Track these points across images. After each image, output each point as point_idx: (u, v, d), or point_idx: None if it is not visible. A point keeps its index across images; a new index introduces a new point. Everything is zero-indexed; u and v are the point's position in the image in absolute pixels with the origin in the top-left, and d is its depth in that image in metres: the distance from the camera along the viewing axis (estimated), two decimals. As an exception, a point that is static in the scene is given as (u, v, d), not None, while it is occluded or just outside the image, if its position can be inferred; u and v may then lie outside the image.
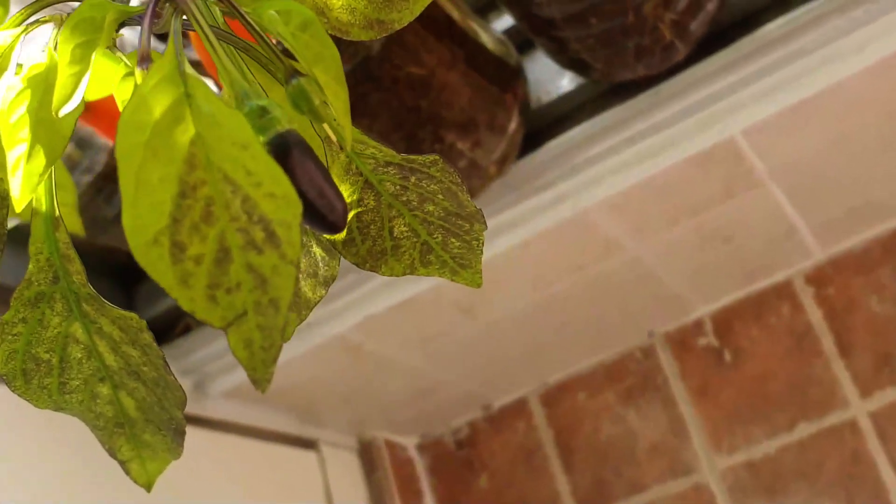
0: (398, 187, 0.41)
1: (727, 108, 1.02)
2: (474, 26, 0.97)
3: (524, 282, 1.19)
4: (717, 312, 1.40)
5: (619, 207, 1.09)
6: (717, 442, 1.36)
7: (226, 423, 1.20)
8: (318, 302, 0.43)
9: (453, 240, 0.42)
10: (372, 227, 0.41)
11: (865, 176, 1.21)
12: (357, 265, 0.41)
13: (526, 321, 1.28)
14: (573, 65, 0.98)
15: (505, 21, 1.07)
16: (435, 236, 0.41)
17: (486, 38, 0.98)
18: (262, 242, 0.30)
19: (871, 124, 1.11)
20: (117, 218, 0.91)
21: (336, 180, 0.41)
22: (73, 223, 0.64)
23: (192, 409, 1.17)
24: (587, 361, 1.43)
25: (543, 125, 1.05)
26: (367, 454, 1.39)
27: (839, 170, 1.18)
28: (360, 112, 0.87)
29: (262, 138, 0.34)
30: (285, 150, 0.33)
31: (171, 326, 1.16)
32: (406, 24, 0.81)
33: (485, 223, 0.43)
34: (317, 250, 0.42)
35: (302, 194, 0.32)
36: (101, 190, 0.87)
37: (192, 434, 1.24)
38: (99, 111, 0.69)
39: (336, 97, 0.38)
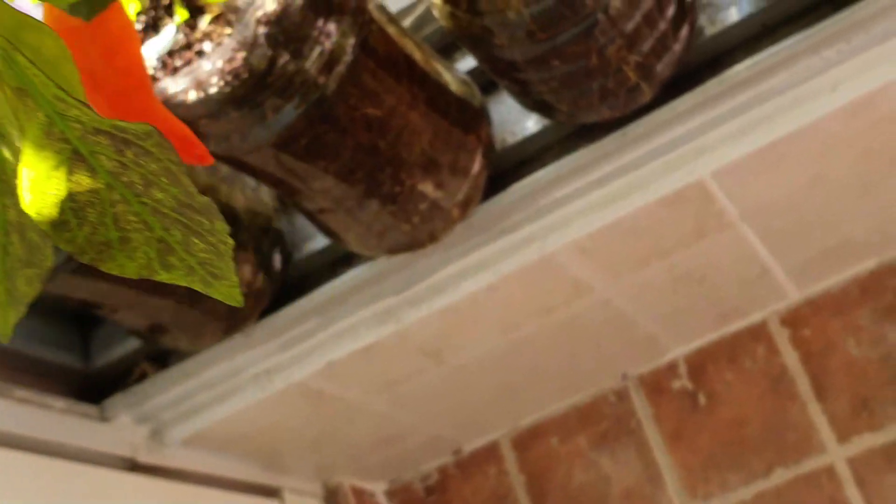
0: (116, 163, 0.34)
1: (696, 149, 1.00)
2: (437, 66, 0.94)
3: (492, 325, 1.16)
4: (691, 354, 1.37)
5: (588, 250, 1.06)
6: (693, 488, 1.33)
7: (185, 473, 1.17)
8: (35, 296, 0.38)
9: (196, 240, 0.36)
10: (90, 210, 0.34)
11: (841, 215, 1.18)
12: (75, 255, 0.35)
13: (495, 364, 1.24)
14: (537, 106, 0.96)
15: (469, 62, 1.04)
16: (172, 233, 0.35)
17: (448, 79, 0.95)
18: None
19: (846, 164, 1.09)
20: (65, 265, 0.87)
21: (33, 146, 0.34)
22: None
23: (149, 458, 1.13)
24: (559, 404, 1.40)
25: (508, 167, 1.02)
26: (332, 501, 1.35)
27: (814, 210, 1.15)
28: (317, 154, 0.85)
29: None
30: None
31: (127, 373, 1.12)
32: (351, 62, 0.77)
33: (223, 220, 0.37)
34: (31, 235, 0.37)
35: None
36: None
37: (150, 484, 1.20)
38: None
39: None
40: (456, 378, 1.24)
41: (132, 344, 1.10)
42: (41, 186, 0.33)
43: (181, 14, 0.77)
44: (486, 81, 1.03)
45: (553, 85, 0.89)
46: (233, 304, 0.38)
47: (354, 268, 1.07)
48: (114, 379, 1.12)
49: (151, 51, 0.80)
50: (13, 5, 0.36)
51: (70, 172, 0.34)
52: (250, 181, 1.05)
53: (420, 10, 1.03)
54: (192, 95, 0.75)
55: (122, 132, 0.34)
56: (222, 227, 0.36)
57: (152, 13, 0.82)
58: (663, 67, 0.92)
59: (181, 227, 0.35)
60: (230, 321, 1.02)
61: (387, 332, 1.10)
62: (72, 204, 0.34)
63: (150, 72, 0.78)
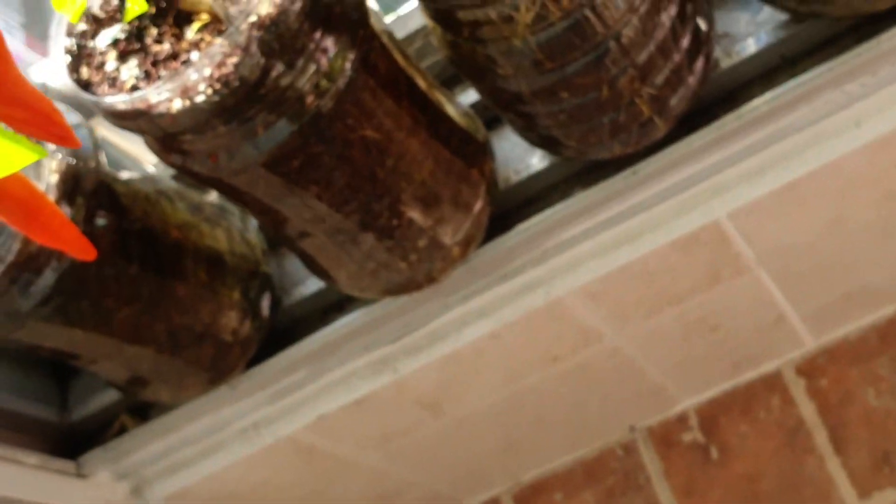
0: None
1: (712, 189, 0.94)
2: (439, 96, 0.89)
3: (494, 375, 1.10)
4: (703, 405, 1.31)
5: (597, 295, 1.00)
6: (706, 548, 1.26)
7: (167, 533, 1.09)
8: None
9: None
10: None
11: (862, 260, 1.13)
12: None
13: (497, 416, 1.18)
14: (543, 142, 0.90)
15: (471, 95, 0.99)
16: None
17: (451, 110, 0.90)
18: None
19: (869, 205, 1.03)
20: (35, 310, 0.81)
21: None
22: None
23: (128, 517, 1.07)
24: (564, 458, 1.33)
25: (512, 206, 0.96)
26: (325, 562, 1.28)
27: (833, 254, 1.09)
28: (310, 177, 0.78)
29: None
30: None
31: (106, 426, 1.05)
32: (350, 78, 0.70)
33: None
34: None
35: None
36: (14, 280, 0.77)
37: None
38: (6, 198, 0.60)
39: None
40: (455, 431, 1.18)
41: (111, 395, 1.04)
42: None
43: (134, 2, 0.70)
44: (489, 116, 0.98)
45: (561, 118, 0.84)
46: None
47: (347, 314, 1.00)
48: (92, 433, 1.05)
49: (101, 41, 0.75)
50: None
51: None
52: (236, 221, 0.99)
53: (419, 41, 0.98)
54: (178, 104, 0.69)
55: None
56: None
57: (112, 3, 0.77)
58: (678, 101, 0.87)
59: None
60: (215, 371, 0.95)
61: (382, 383, 1.03)
62: None
63: (133, 81, 0.73)
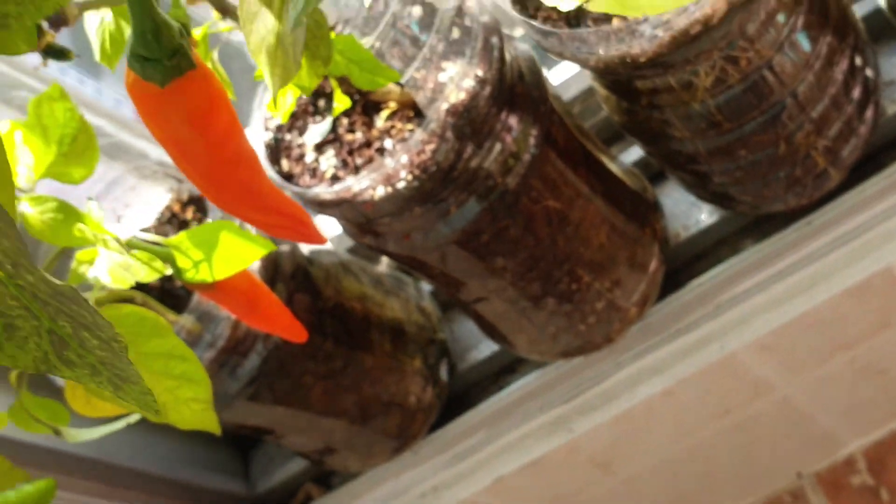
0: None
1: (883, 235, 0.94)
2: (606, 158, 0.91)
3: (666, 432, 1.10)
4: (870, 448, 1.28)
5: (770, 347, 1.00)
6: None
7: None
8: None
9: (87, 335, 0.32)
10: None
11: None
12: None
13: (667, 472, 1.18)
14: (716, 198, 0.91)
15: (632, 153, 1.01)
16: (60, 324, 0.31)
17: (619, 171, 0.92)
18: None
19: None
20: (241, 391, 0.84)
21: None
22: (209, 421, 0.58)
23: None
24: (731, 509, 1.32)
25: (683, 262, 0.97)
26: None
27: None
28: (497, 250, 0.81)
29: None
30: None
31: (290, 496, 1.08)
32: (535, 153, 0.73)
33: (97, 311, 0.33)
34: None
35: None
36: (223, 364, 0.81)
37: None
38: (224, 288, 0.63)
39: None
40: (625, 489, 1.18)
41: (295, 466, 1.07)
42: None
43: (339, 101, 0.74)
44: (652, 173, 1.00)
45: (737, 175, 0.85)
46: (149, 413, 0.34)
47: (521, 376, 1.02)
48: (277, 503, 1.09)
49: (310, 138, 0.79)
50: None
51: None
52: (411, 290, 1.02)
53: (576, 106, 1.00)
54: (380, 192, 0.72)
55: None
56: (106, 322, 0.32)
57: (313, 101, 0.81)
58: (850, 151, 0.87)
59: (66, 317, 0.31)
60: (401, 439, 0.98)
61: (557, 444, 1.04)
62: None
63: (331, 170, 0.76)
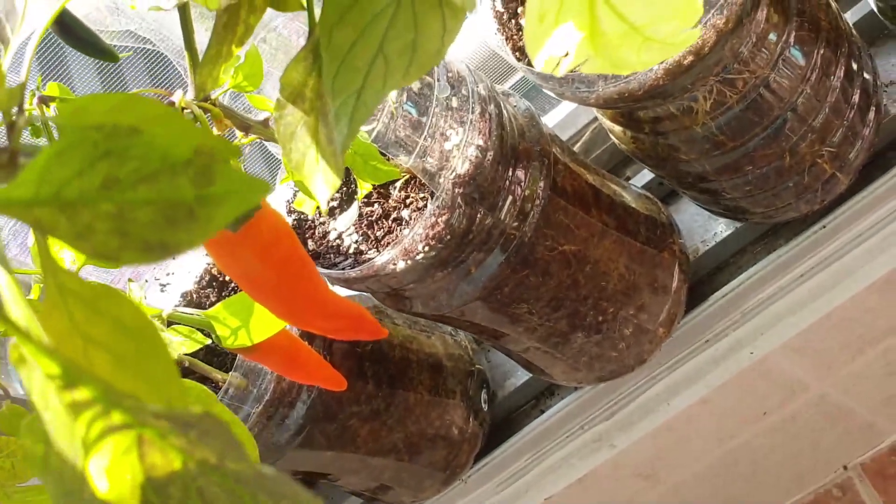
0: (184, 442, 0.34)
1: (899, 229, 0.96)
2: (616, 189, 0.94)
3: (707, 437, 1.12)
4: (914, 435, 1.30)
5: (800, 348, 1.03)
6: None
7: None
8: None
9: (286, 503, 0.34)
10: (172, 488, 0.34)
11: None
12: None
13: (712, 477, 1.20)
14: (729, 212, 0.94)
15: (642, 177, 1.04)
16: (260, 498, 0.34)
17: (629, 198, 0.95)
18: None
19: None
20: (291, 440, 0.88)
21: (95, 435, 0.34)
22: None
23: None
24: (781, 507, 1.34)
25: (705, 275, 1.00)
26: None
27: None
28: (520, 297, 0.84)
29: None
30: None
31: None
32: (544, 204, 0.76)
33: (302, 488, 0.35)
34: None
35: None
36: (272, 416, 0.85)
37: None
38: (263, 349, 0.67)
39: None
40: (673, 497, 1.20)
41: (349, 503, 1.11)
42: (115, 474, 0.33)
43: (362, 186, 0.78)
44: (664, 193, 1.02)
45: (747, 189, 0.87)
46: None
47: (560, 398, 1.05)
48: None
49: (341, 224, 0.82)
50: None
51: (141, 456, 0.33)
52: (446, 326, 1.06)
53: (586, 135, 1.04)
54: (402, 265, 0.76)
55: (180, 416, 0.34)
56: (304, 491, 0.35)
57: (342, 189, 0.85)
58: (856, 154, 0.89)
59: (267, 493, 0.34)
60: (449, 470, 1.01)
61: (601, 460, 1.07)
62: (152, 485, 0.33)
63: (354, 246, 0.80)
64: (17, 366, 0.29)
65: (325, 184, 0.43)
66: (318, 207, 0.80)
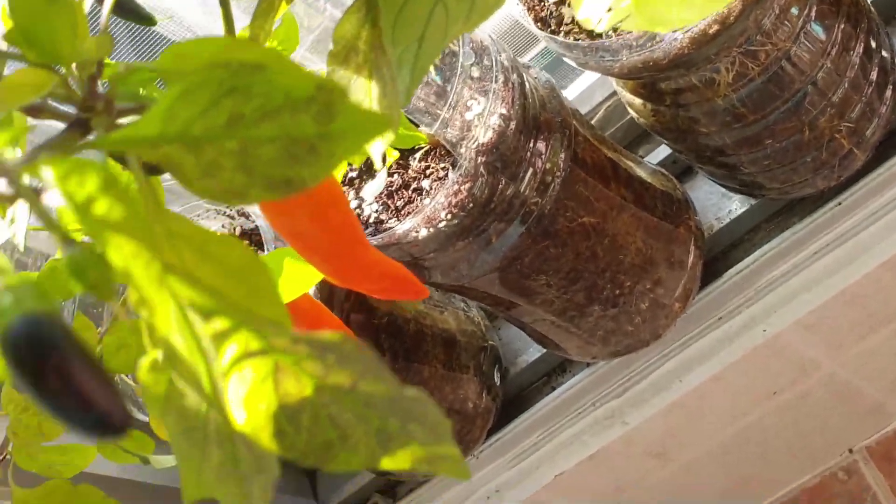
0: (319, 367, 0.34)
1: (914, 206, 0.96)
2: (631, 163, 0.94)
3: (719, 416, 1.13)
4: (920, 418, 1.30)
5: (813, 326, 1.03)
6: (949, 561, 1.25)
7: None
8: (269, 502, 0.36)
9: (414, 426, 0.35)
10: (303, 415, 0.34)
11: None
12: (299, 461, 0.34)
13: (722, 456, 1.20)
14: (746, 188, 0.94)
15: (657, 154, 1.04)
16: (390, 422, 0.35)
17: (645, 174, 0.95)
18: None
19: None
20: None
21: (235, 364, 0.34)
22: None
23: None
24: (787, 488, 1.34)
25: (719, 252, 1.00)
26: None
27: None
28: (540, 269, 0.84)
29: None
30: (17, 339, 0.27)
31: (360, 508, 1.12)
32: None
33: (437, 406, 0.35)
34: (256, 446, 0.35)
35: (51, 395, 0.26)
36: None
37: None
38: (290, 310, 0.67)
39: (147, 266, 0.31)
40: (683, 476, 1.21)
41: (361, 480, 1.11)
42: (251, 403, 0.34)
43: (389, 154, 0.78)
44: (678, 170, 1.03)
45: (765, 164, 0.88)
46: (461, 478, 0.37)
47: (572, 374, 1.05)
48: (347, 517, 1.13)
49: (368, 194, 0.82)
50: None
51: (276, 384, 0.34)
52: (458, 301, 1.06)
53: (600, 112, 1.04)
54: (423, 233, 0.76)
55: (319, 340, 0.34)
56: (436, 411, 0.35)
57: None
58: (873, 130, 0.90)
59: (397, 415, 0.34)
60: (462, 444, 1.01)
61: (612, 437, 1.08)
62: (284, 413, 0.34)
63: (374, 215, 0.80)
64: (138, 307, 0.30)
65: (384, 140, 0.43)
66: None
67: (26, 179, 0.29)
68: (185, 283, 0.30)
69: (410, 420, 0.35)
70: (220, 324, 0.32)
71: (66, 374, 0.26)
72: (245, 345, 0.33)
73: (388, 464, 0.35)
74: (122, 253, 0.29)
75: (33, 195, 0.28)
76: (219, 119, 0.30)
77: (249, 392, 0.34)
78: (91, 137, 0.35)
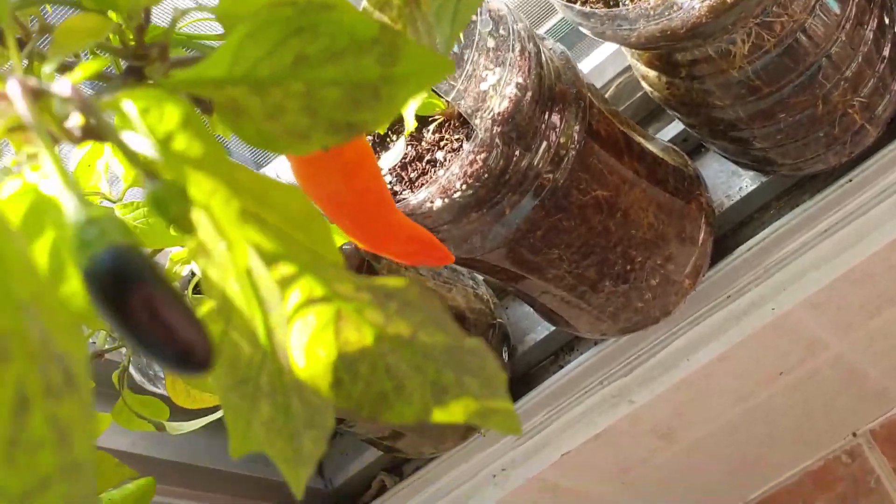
0: (380, 316, 0.34)
1: (924, 185, 0.96)
2: (643, 139, 0.94)
3: (725, 396, 1.13)
4: (924, 402, 1.31)
5: (821, 304, 1.03)
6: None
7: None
8: (320, 457, 0.36)
9: (469, 378, 0.35)
10: (361, 365, 0.35)
11: None
12: (353, 412, 0.35)
13: (728, 436, 1.20)
14: (757, 163, 0.94)
15: (667, 131, 1.04)
16: (445, 374, 0.35)
17: (657, 150, 0.95)
18: (60, 386, 0.25)
19: None
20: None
21: (297, 312, 0.34)
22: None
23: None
24: (791, 471, 1.34)
25: (729, 230, 1.00)
26: None
27: None
28: (552, 242, 0.84)
29: (82, 257, 0.27)
30: (104, 270, 0.26)
31: (365, 488, 1.12)
32: (579, 148, 0.76)
33: (494, 358, 0.36)
34: (309, 396, 0.35)
35: (137, 327, 0.26)
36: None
37: None
38: None
39: (226, 203, 0.31)
40: (688, 456, 1.21)
41: (367, 458, 1.11)
42: (311, 350, 0.34)
43: (409, 126, 0.78)
44: (689, 148, 1.02)
45: (778, 138, 0.87)
46: (513, 433, 0.37)
47: (579, 353, 1.05)
48: (353, 496, 1.12)
49: (385, 164, 0.82)
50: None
51: (337, 332, 0.34)
52: (467, 279, 1.05)
53: (612, 88, 1.03)
54: (438, 203, 0.75)
55: (382, 287, 0.34)
56: (493, 363, 0.35)
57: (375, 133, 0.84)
58: (885, 106, 0.90)
59: (452, 367, 0.35)
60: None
61: (619, 416, 1.07)
62: (343, 362, 0.34)
63: (388, 186, 0.80)
64: (197, 256, 0.29)
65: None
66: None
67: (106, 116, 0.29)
68: (255, 226, 0.30)
69: (466, 372, 0.35)
70: (285, 269, 0.32)
71: (153, 306, 0.26)
72: (309, 291, 0.33)
73: (440, 416, 0.35)
74: (202, 189, 0.29)
75: (114, 130, 0.28)
76: (285, 60, 0.30)
77: (310, 339, 0.34)
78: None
